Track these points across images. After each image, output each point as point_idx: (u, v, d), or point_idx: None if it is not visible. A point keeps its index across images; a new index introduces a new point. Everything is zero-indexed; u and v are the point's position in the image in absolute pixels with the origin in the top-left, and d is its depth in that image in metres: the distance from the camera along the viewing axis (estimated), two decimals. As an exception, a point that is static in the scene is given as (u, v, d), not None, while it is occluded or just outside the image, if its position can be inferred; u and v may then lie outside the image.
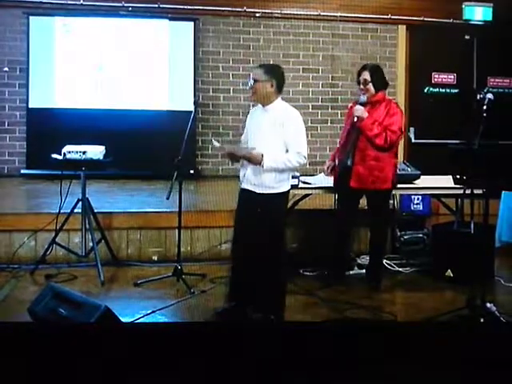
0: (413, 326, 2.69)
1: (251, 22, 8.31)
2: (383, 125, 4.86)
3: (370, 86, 4.91)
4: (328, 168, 5.16)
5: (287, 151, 4.19)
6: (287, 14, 8.33)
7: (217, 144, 4.79)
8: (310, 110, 8.43)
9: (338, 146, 5.29)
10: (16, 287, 5.12)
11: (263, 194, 4.20)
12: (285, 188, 4.26)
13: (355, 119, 4.93)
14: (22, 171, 7.90)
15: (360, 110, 4.89)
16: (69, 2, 7.91)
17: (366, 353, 2.33)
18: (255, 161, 4.18)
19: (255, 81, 4.21)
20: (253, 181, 4.24)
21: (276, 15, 8.31)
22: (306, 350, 2.31)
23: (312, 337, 2.38)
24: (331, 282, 5.14)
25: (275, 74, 4.24)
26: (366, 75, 4.91)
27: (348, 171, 4.93)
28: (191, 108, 7.42)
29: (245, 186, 4.30)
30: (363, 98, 4.94)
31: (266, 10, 8.25)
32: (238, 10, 8.18)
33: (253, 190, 4.25)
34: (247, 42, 8.29)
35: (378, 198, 5.00)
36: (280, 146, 4.17)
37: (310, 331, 2.49)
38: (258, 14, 8.26)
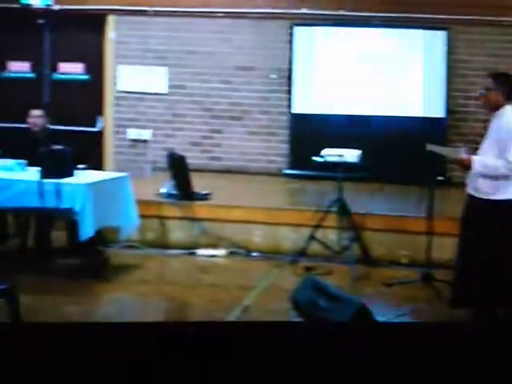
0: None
1: (501, 30, 8.17)
2: None
3: None
4: None
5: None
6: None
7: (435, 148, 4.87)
8: None
9: None
10: (279, 276, 5.69)
11: (480, 198, 4.31)
12: (505, 196, 4.27)
13: None
14: (285, 171, 8.52)
15: None
16: (330, 13, 8.42)
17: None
18: (464, 164, 4.35)
19: (486, 89, 4.36)
20: (472, 185, 4.38)
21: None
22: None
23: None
24: None
25: (504, 83, 4.33)
26: None
27: None
28: (443, 115, 7.63)
29: (467, 189, 4.45)
30: None
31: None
32: (488, 18, 8.11)
33: (473, 194, 4.39)
34: (499, 51, 8.17)
35: None
36: (497, 152, 4.25)
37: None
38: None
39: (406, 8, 8.19)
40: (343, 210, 5.85)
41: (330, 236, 6.05)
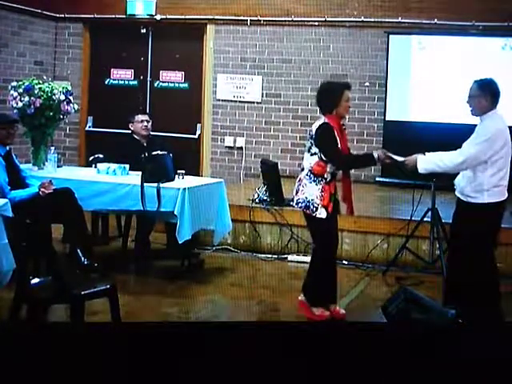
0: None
1: None
2: None
3: None
4: None
5: None
6: None
7: None
8: None
9: None
10: (369, 285, 5.70)
11: (463, 201, 4.33)
12: (484, 200, 4.22)
13: None
14: (377, 178, 8.57)
15: None
16: (424, 22, 8.41)
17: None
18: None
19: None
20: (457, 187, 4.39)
21: None
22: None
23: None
24: None
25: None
26: None
27: None
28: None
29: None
30: None
31: None
32: None
33: (458, 195, 4.40)
34: None
35: None
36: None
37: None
38: None
39: (504, 18, 8.06)
40: (436, 220, 5.77)
41: (423, 246, 6.03)
